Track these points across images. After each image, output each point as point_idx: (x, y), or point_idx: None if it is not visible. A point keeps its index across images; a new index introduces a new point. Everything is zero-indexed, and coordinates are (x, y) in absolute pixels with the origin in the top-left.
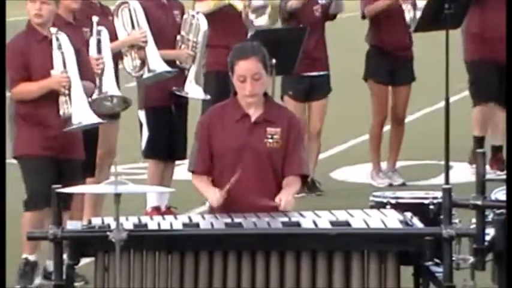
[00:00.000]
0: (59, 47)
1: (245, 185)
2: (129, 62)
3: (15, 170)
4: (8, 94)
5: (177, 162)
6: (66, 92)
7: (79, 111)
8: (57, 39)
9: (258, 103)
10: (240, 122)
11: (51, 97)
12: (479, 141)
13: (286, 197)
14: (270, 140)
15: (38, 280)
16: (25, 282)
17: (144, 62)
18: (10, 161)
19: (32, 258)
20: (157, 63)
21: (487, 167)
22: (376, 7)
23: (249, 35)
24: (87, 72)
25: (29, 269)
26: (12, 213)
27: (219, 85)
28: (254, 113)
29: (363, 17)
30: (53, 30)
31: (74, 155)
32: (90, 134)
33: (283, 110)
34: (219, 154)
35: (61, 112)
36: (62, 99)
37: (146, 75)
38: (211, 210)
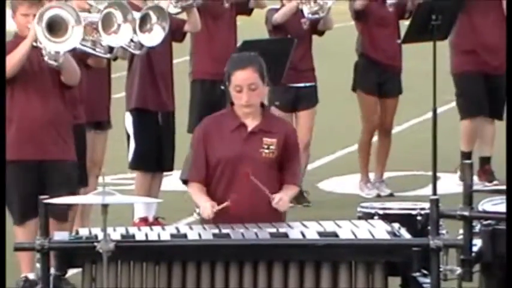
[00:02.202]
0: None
1: (240, 194)
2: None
3: None
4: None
5: (164, 173)
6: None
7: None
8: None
9: (255, 113)
10: (236, 131)
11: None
12: (467, 157)
13: (282, 196)
14: (266, 151)
15: None
16: None
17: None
18: None
19: (31, 276)
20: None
21: (475, 178)
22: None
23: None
24: None
25: (28, 285)
26: None
27: (205, 93)
28: (251, 123)
29: (356, 17)
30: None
31: (61, 156)
32: (78, 144)
33: (280, 121)
34: (215, 163)
35: (45, 54)
36: (39, 45)
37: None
38: (203, 220)
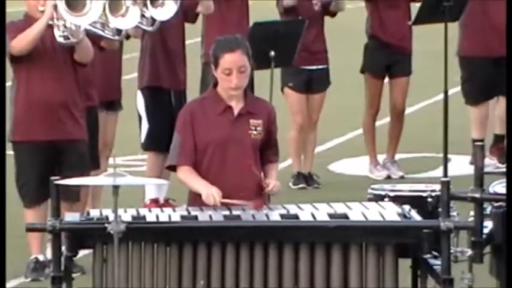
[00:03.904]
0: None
1: (230, 176)
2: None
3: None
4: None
5: None
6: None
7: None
8: None
9: (239, 95)
10: (223, 114)
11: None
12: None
13: (273, 181)
14: (254, 132)
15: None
16: (37, 275)
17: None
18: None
19: (41, 258)
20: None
21: (487, 154)
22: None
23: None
24: None
25: (39, 266)
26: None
27: None
28: (236, 106)
29: None
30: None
31: (75, 136)
32: (91, 126)
33: (262, 102)
34: (204, 147)
35: (58, 36)
36: (55, 22)
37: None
38: (193, 202)
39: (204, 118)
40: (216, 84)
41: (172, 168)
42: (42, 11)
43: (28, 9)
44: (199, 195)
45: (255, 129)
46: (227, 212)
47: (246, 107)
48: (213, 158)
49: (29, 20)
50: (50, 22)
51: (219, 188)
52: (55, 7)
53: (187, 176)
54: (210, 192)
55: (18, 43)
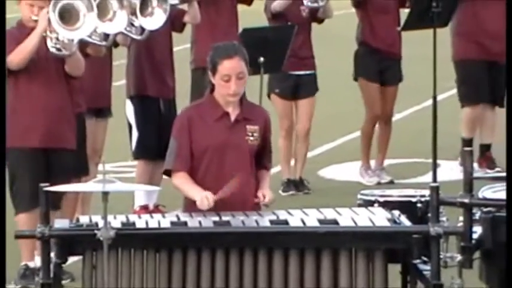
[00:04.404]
0: None
1: (227, 181)
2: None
3: None
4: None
5: None
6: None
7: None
8: None
9: (236, 102)
10: (220, 120)
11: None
12: (468, 144)
13: (265, 192)
14: (251, 138)
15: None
16: (26, 282)
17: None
18: None
19: (31, 265)
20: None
21: (476, 166)
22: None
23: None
24: None
25: (29, 273)
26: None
27: (207, 81)
28: (233, 112)
29: (356, 5)
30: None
31: (66, 144)
32: (78, 133)
33: (257, 108)
34: (201, 153)
35: (50, 46)
36: (48, 34)
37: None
38: (188, 209)
39: (202, 124)
40: (212, 90)
41: (168, 172)
42: (35, 20)
43: (22, 16)
44: (194, 202)
45: (252, 135)
46: (217, 218)
47: (243, 113)
48: (211, 163)
49: (22, 28)
50: (43, 34)
51: (216, 193)
52: (48, 20)
53: (182, 182)
54: (203, 196)
55: (15, 58)
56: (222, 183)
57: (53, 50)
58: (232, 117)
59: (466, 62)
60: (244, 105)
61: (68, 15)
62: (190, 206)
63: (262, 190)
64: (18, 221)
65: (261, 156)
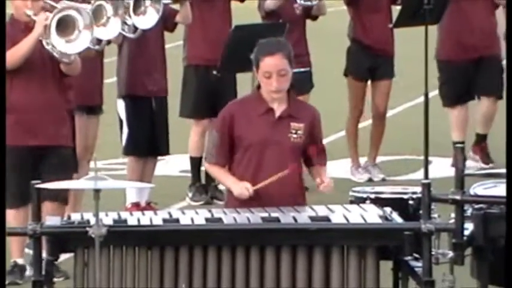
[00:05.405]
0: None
1: (266, 177)
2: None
3: None
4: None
5: (159, 158)
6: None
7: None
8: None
9: (282, 98)
10: (264, 116)
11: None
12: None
13: (328, 180)
14: (294, 135)
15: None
16: (14, 277)
17: None
18: None
19: (20, 261)
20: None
21: (470, 154)
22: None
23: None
24: None
25: (17, 270)
26: None
27: (199, 79)
28: (278, 108)
29: (348, 2)
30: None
31: (59, 142)
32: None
33: (306, 106)
34: (243, 148)
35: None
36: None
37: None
38: (229, 204)
39: (245, 118)
40: (259, 86)
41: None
42: (29, 15)
43: (14, 11)
44: (237, 198)
45: (295, 133)
46: (209, 215)
47: (289, 109)
48: (252, 157)
49: (15, 24)
50: (40, 38)
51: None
52: (45, 27)
53: (219, 172)
54: (241, 186)
55: (9, 59)
56: (260, 178)
57: (48, 47)
58: (277, 114)
59: (449, 62)
60: (291, 102)
61: (65, 23)
62: (230, 199)
63: (322, 176)
64: (8, 217)
65: (319, 154)
